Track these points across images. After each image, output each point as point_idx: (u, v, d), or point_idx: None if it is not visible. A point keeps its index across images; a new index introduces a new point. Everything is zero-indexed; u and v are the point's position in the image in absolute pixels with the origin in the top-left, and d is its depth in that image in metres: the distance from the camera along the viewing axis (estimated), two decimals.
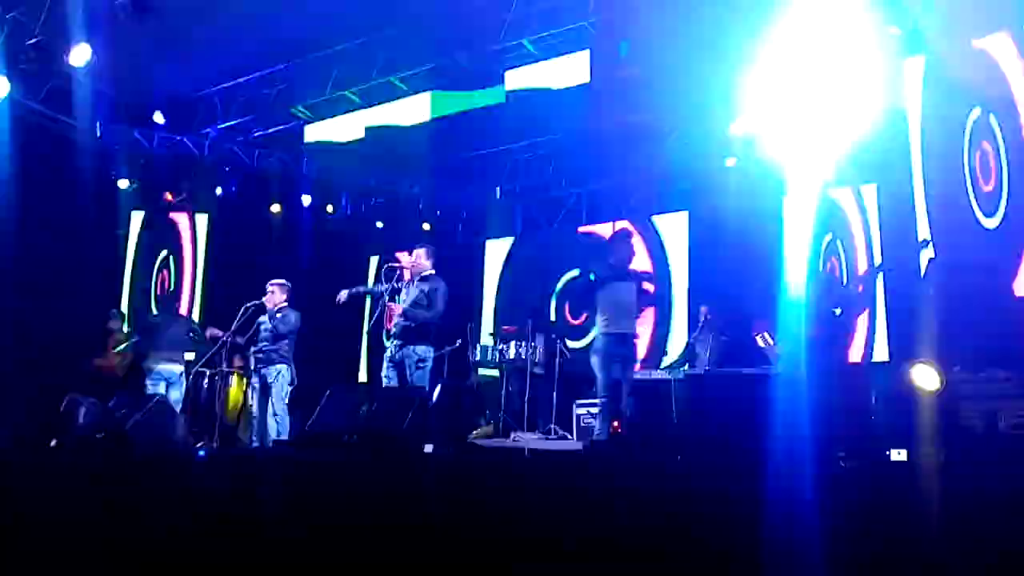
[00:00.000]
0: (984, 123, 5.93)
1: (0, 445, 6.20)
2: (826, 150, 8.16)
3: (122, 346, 7.96)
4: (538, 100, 8.53)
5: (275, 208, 10.55)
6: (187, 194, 10.15)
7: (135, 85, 9.35)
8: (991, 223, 5.82)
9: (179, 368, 7.45)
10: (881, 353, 7.63)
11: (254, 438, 6.34)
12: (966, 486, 2.56)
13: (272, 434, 6.10)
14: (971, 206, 6.19)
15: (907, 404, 4.63)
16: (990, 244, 5.72)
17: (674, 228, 9.57)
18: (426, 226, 10.80)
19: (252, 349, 6.62)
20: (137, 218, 10.35)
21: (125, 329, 8.38)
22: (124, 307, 10.06)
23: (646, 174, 9.67)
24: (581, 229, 10.43)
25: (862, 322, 7.61)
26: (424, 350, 5.71)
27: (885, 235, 7.78)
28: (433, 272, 5.95)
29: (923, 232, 6.18)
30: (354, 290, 6.35)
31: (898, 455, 3.67)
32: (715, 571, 2.61)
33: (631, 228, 8.54)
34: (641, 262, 8.99)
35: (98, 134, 9.29)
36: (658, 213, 9.78)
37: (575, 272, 10.05)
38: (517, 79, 8.06)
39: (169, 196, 9.96)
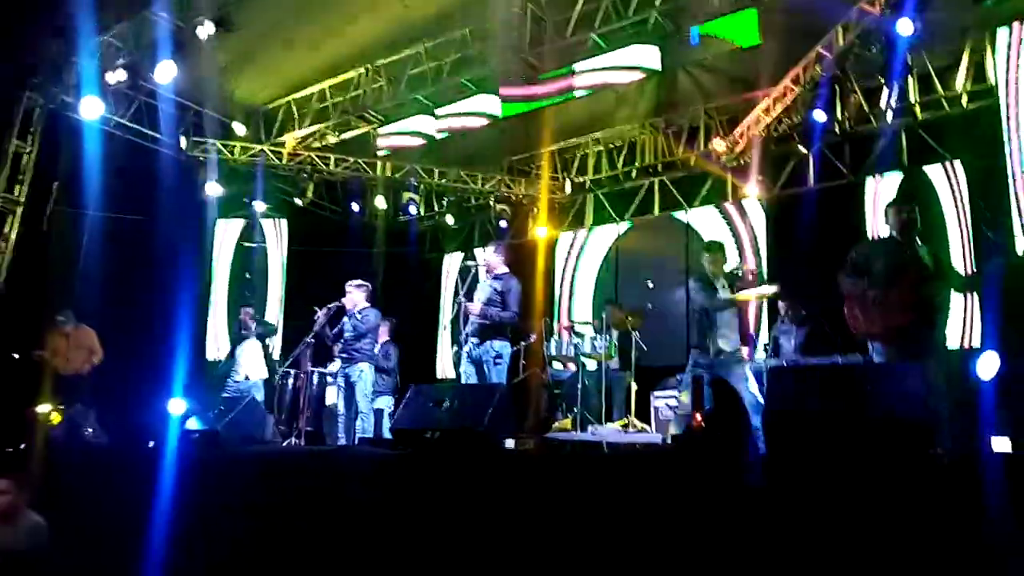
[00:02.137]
0: None
1: (103, 446, 6.56)
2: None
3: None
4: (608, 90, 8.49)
5: (354, 206, 10.84)
6: (268, 202, 10.50)
7: (215, 97, 9.76)
8: None
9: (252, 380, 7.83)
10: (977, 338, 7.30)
11: (340, 436, 6.51)
12: None
13: (357, 432, 6.25)
14: None
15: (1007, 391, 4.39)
16: None
17: (753, 214, 9.34)
18: (503, 223, 10.82)
19: (336, 349, 6.82)
20: (222, 227, 10.79)
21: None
22: (212, 313, 10.52)
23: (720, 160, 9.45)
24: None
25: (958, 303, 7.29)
26: (501, 346, 5.73)
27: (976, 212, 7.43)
28: (506, 270, 5.95)
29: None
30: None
31: (1001, 444, 3.47)
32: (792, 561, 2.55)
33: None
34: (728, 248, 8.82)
35: (182, 147, 9.71)
36: (735, 200, 9.57)
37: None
38: (586, 71, 8.03)
39: (260, 205, 10.30)
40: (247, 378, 7.96)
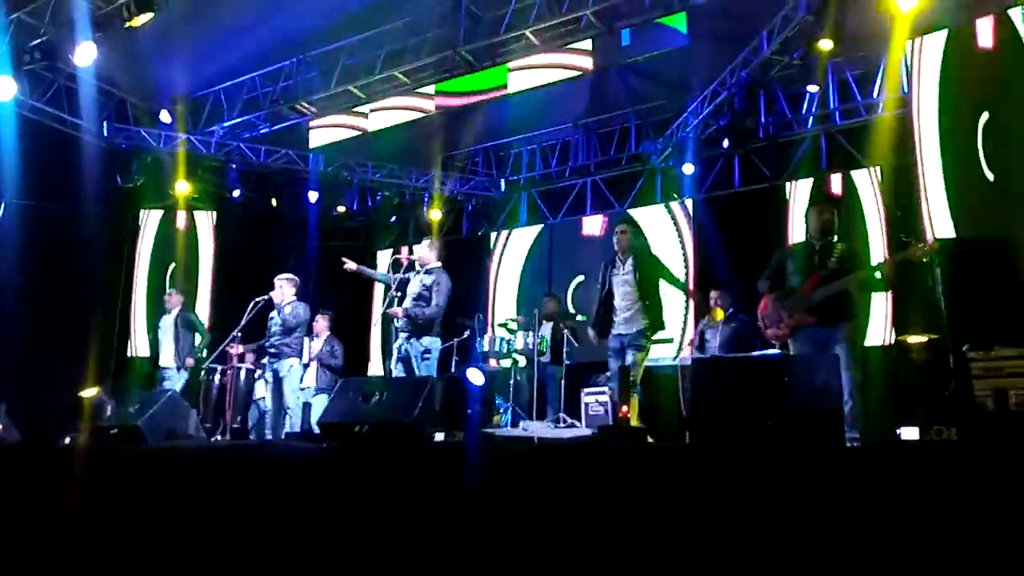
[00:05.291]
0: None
1: (13, 440, 6.26)
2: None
3: None
4: (541, 91, 8.57)
5: (273, 201, 10.60)
6: (195, 192, 10.17)
7: (141, 84, 9.41)
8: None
9: (172, 364, 7.52)
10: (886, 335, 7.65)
11: (267, 432, 6.39)
12: (977, 464, 2.56)
13: (285, 428, 6.15)
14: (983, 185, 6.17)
15: (919, 383, 4.63)
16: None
17: (681, 214, 9.54)
18: (436, 215, 10.70)
19: (265, 344, 6.68)
20: (144, 217, 10.42)
21: None
22: (135, 305, 10.14)
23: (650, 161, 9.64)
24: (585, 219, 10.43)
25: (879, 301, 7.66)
26: (430, 341, 5.75)
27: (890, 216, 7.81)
28: (438, 265, 5.96)
29: (929, 213, 6.17)
30: (366, 272, 6.47)
31: (909, 433, 3.67)
32: (723, 554, 2.63)
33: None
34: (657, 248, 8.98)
35: (104, 133, 9.34)
36: (665, 201, 9.77)
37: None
38: (520, 70, 8.08)
39: (183, 186, 9.85)
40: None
